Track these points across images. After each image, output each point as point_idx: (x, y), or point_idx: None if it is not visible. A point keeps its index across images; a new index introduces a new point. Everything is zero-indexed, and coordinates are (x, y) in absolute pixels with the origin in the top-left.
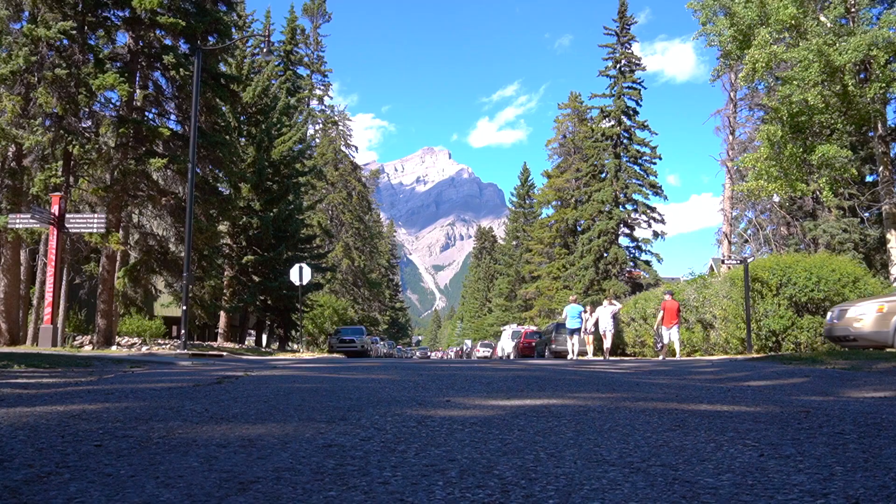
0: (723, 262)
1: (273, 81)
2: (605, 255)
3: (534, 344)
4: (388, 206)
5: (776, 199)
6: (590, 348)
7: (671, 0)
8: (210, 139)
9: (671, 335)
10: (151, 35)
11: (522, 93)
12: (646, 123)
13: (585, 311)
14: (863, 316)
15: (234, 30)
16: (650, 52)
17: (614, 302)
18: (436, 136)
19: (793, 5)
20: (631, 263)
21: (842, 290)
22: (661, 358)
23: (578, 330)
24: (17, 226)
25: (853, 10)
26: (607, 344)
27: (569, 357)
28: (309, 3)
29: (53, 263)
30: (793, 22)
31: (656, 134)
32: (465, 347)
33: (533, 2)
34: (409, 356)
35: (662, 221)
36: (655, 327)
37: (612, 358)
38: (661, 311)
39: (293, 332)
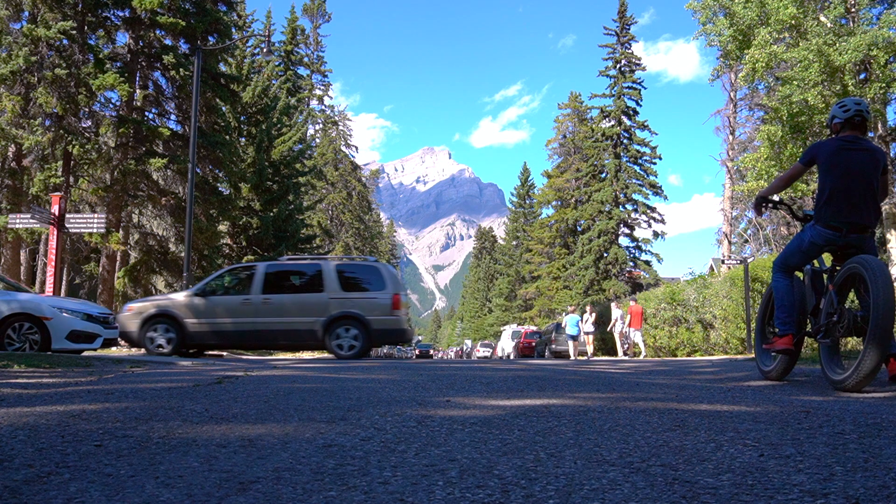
0: (723, 262)
1: (273, 81)
2: (605, 255)
3: (534, 344)
4: (388, 206)
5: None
6: (590, 348)
7: (675, 0)
8: (210, 139)
9: (635, 337)
10: (151, 35)
11: (525, 93)
12: (646, 123)
13: (585, 316)
14: (125, 316)
15: (234, 30)
16: (653, 51)
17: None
18: (438, 136)
19: (793, 5)
20: (631, 263)
21: None
22: (620, 356)
23: (576, 336)
24: (17, 226)
25: (853, 10)
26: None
27: (571, 356)
28: (309, 3)
29: (53, 263)
30: (793, 22)
31: (656, 134)
32: (465, 347)
33: (536, 2)
34: (409, 356)
35: (662, 221)
36: (623, 329)
37: (612, 358)
38: (629, 316)
39: None
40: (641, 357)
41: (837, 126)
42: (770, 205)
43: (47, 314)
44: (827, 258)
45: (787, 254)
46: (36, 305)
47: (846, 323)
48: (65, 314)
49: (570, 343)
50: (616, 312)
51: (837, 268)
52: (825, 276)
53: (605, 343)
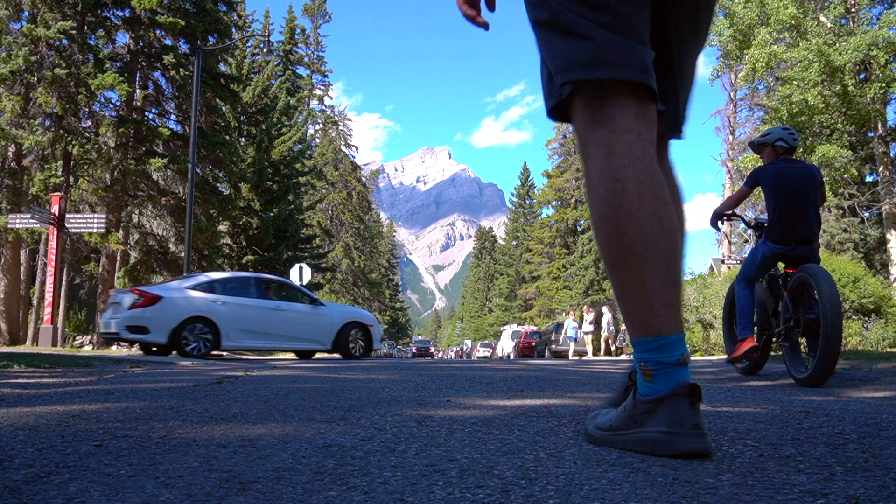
0: (723, 262)
1: (273, 81)
2: None
3: (534, 344)
4: (388, 206)
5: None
6: (589, 348)
7: None
8: (210, 139)
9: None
10: (151, 35)
11: (528, 93)
12: None
13: (585, 316)
14: None
15: (234, 30)
16: None
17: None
18: (440, 136)
19: (793, 5)
20: None
21: (842, 291)
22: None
23: (573, 338)
24: (17, 226)
25: (853, 10)
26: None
27: (569, 356)
28: (309, 3)
29: (53, 263)
30: (793, 22)
31: None
32: (465, 347)
33: None
34: (408, 355)
35: None
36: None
37: (612, 358)
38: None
39: None
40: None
41: (781, 148)
42: (725, 218)
43: (371, 322)
44: (781, 264)
45: (746, 268)
46: (364, 315)
47: (802, 327)
48: (376, 322)
49: (570, 345)
50: (606, 315)
51: (789, 274)
52: (780, 280)
53: (605, 344)
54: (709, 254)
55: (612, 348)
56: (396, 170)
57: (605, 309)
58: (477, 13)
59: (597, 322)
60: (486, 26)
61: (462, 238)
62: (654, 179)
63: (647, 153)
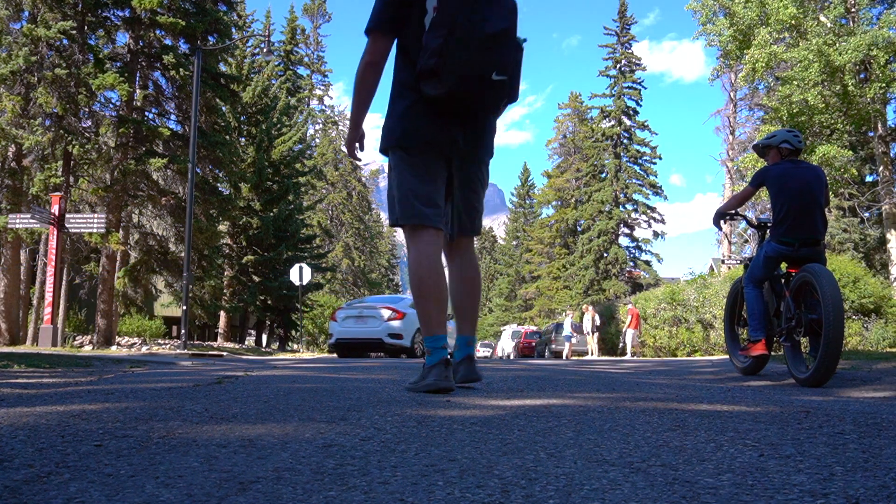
0: (723, 262)
1: (273, 81)
2: (605, 255)
3: (534, 344)
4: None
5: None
6: (589, 348)
7: (680, 1)
8: (210, 139)
9: (633, 336)
10: (151, 35)
11: (529, 93)
12: (646, 123)
13: (586, 316)
14: None
15: (234, 30)
16: (658, 51)
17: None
18: None
19: (793, 5)
20: (631, 263)
21: (842, 291)
22: (628, 356)
23: (570, 337)
24: (17, 226)
25: (853, 10)
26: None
27: (563, 357)
28: (309, 3)
29: (53, 263)
30: (793, 22)
31: (656, 134)
32: None
33: (540, 2)
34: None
35: (662, 221)
36: (623, 329)
37: (612, 358)
38: (630, 317)
39: (293, 332)
40: (626, 356)
41: (786, 150)
42: (728, 217)
43: None
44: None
45: (753, 268)
46: None
47: (804, 327)
48: None
49: (565, 343)
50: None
51: (792, 274)
52: (782, 280)
53: (604, 343)
54: (709, 254)
55: (596, 347)
56: None
57: (589, 309)
58: (354, 151)
59: (594, 322)
60: (359, 160)
61: None
62: (431, 268)
63: (432, 254)
